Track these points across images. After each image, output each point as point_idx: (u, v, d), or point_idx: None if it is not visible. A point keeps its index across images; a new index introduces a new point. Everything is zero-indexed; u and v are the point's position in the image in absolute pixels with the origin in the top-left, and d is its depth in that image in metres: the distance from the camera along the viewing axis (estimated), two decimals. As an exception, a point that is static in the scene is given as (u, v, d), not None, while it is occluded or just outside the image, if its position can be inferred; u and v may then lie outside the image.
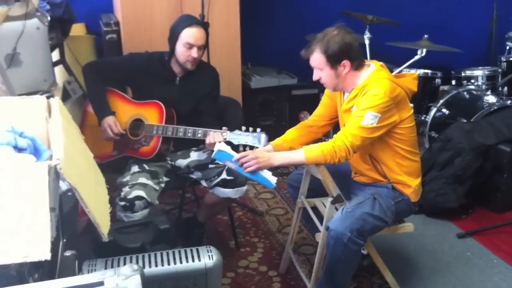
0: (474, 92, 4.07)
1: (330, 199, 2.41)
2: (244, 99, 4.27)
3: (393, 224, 2.49)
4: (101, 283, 1.02)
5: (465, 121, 3.76)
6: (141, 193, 2.65)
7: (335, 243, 2.28)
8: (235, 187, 2.75)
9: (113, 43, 4.03)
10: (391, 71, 4.08)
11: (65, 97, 3.71)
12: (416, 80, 2.49)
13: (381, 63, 2.47)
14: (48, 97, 2.92)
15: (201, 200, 3.06)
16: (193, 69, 2.84)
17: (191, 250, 1.93)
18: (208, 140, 2.61)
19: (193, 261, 1.89)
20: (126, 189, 2.69)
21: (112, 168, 2.94)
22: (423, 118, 4.20)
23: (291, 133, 2.62)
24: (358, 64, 2.39)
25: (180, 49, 2.76)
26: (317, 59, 2.38)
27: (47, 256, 1.02)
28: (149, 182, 2.74)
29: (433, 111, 4.08)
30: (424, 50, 3.84)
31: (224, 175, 2.74)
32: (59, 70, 4.04)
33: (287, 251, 2.89)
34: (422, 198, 3.44)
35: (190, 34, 2.73)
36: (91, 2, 4.33)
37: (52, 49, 3.79)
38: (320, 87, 4.69)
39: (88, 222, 3.18)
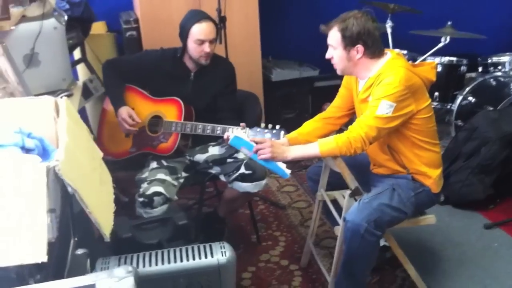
0: (501, 79, 3.95)
1: (348, 191, 2.37)
2: (266, 92, 4.25)
3: (414, 216, 2.44)
4: (93, 286, 1.02)
5: (491, 109, 3.65)
6: (160, 189, 2.66)
7: (352, 235, 2.24)
8: (253, 181, 2.74)
9: (133, 40, 4.05)
10: (415, 60, 4.06)
11: (87, 95, 3.73)
12: (435, 69, 2.42)
13: (397, 51, 2.41)
14: (68, 96, 3.01)
15: (221, 195, 3.04)
16: (207, 64, 2.83)
17: (204, 247, 1.93)
18: (226, 135, 2.60)
19: (206, 257, 1.88)
20: (144, 185, 2.71)
21: (133, 164, 2.97)
22: (448, 106, 4.11)
23: (307, 126, 2.59)
24: (373, 52, 2.34)
25: (192, 46, 2.75)
26: (333, 36, 2.35)
27: (43, 258, 1.02)
28: (168, 178, 2.74)
29: (459, 100, 3.99)
30: (448, 38, 3.75)
31: (242, 169, 2.73)
32: (81, 69, 4.10)
33: (308, 244, 2.86)
34: (448, 189, 3.43)
35: (199, 30, 2.72)
36: (111, 0, 4.34)
37: (73, 48, 3.86)
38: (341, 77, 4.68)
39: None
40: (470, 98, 3.95)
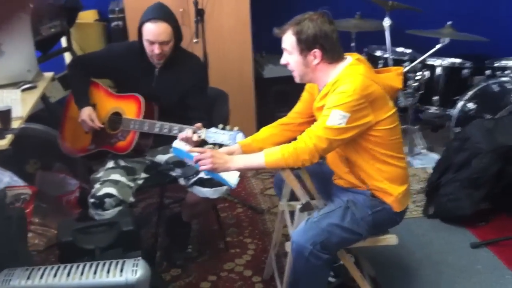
0: (507, 85, 3.65)
1: (298, 206, 2.19)
2: (258, 89, 4.08)
3: (372, 236, 2.23)
4: None
5: (489, 117, 3.39)
6: (112, 190, 2.53)
7: (297, 256, 2.07)
8: (213, 186, 2.58)
9: (118, 31, 3.94)
10: (414, 59, 3.80)
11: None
12: (401, 76, 2.21)
13: (358, 56, 2.20)
14: (30, 88, 2.91)
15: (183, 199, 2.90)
16: (174, 60, 2.68)
17: (117, 263, 1.78)
18: (180, 136, 2.44)
19: (114, 275, 1.73)
20: (97, 185, 2.58)
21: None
22: (448, 112, 3.84)
23: (263, 132, 2.40)
24: (332, 56, 2.14)
25: (145, 44, 2.61)
26: (287, 40, 2.16)
27: None
28: (122, 179, 2.61)
29: (459, 105, 3.72)
30: (447, 39, 3.49)
31: (202, 174, 2.57)
32: (67, 58, 4.01)
33: (270, 256, 2.69)
34: (436, 202, 3.20)
35: (148, 31, 2.56)
36: (104, -13, 4.22)
37: (57, 37, 3.77)
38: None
39: (80, 215, 3.13)
40: (470, 104, 3.68)
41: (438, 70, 3.86)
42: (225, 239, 3.03)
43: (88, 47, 3.94)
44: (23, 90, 2.84)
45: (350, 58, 2.18)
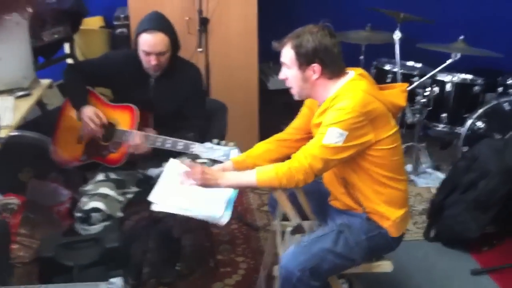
0: (518, 104, 3.51)
1: (289, 228, 2.07)
2: (263, 101, 3.97)
3: (366, 262, 2.11)
4: None
5: (499, 137, 3.25)
6: (99, 204, 2.45)
7: (284, 282, 1.95)
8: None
9: (123, 38, 3.88)
10: (424, 74, 3.67)
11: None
12: (405, 93, 2.09)
13: (361, 71, 2.09)
14: (24, 96, 2.83)
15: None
16: (172, 69, 2.60)
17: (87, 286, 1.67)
18: None
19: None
20: (84, 199, 2.50)
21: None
22: (456, 130, 3.70)
23: (258, 148, 2.29)
24: (332, 71, 2.03)
25: (141, 55, 2.52)
26: (286, 54, 2.06)
27: None
28: (111, 193, 2.52)
29: (468, 123, 3.58)
30: (458, 55, 3.36)
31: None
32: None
33: (260, 278, 2.57)
34: (440, 224, 3.06)
35: (144, 41, 2.48)
36: (110, -6, 4.15)
37: (60, 43, 3.71)
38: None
39: (69, 227, 3.03)
40: (480, 122, 3.54)
41: (448, 86, 3.73)
42: (215, 257, 2.91)
43: (91, 54, 3.86)
44: (18, 98, 2.76)
45: (352, 73, 2.07)
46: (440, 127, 3.82)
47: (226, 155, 2.22)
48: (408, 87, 2.15)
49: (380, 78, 3.91)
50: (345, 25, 3.97)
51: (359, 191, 2.07)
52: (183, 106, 2.63)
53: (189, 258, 2.93)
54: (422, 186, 3.69)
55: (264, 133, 3.91)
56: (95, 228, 2.43)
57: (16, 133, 3.32)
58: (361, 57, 4.02)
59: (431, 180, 3.72)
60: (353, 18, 3.93)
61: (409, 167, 3.82)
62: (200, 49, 3.47)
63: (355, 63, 4.12)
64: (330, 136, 1.91)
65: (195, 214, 2.09)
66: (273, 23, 3.86)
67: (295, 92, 2.11)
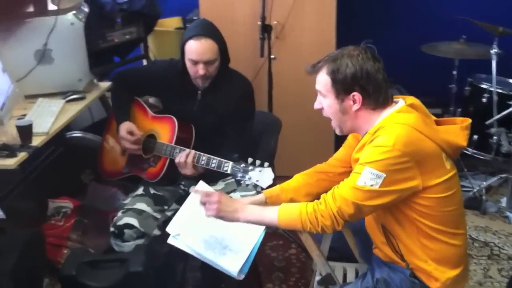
0: None
1: (317, 277, 1.80)
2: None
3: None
4: None
5: None
6: (132, 220, 2.32)
7: None
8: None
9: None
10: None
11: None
12: (467, 130, 1.74)
13: (413, 100, 1.77)
14: (77, 99, 2.78)
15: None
16: (219, 81, 2.41)
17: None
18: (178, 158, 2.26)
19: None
20: (119, 213, 2.38)
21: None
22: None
23: (296, 180, 2.02)
24: (376, 101, 1.74)
25: (187, 64, 2.34)
26: (321, 81, 1.79)
27: None
28: (148, 209, 2.38)
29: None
30: None
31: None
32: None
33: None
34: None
35: (191, 49, 2.29)
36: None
37: (133, 44, 3.66)
38: (443, 106, 3.88)
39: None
40: None
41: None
42: (263, 286, 2.68)
43: (164, 55, 3.77)
44: (69, 101, 2.72)
45: (402, 102, 1.76)
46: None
47: (261, 177, 1.99)
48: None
49: (475, 97, 3.47)
50: (435, 35, 3.56)
51: (402, 243, 1.75)
52: (225, 122, 2.43)
53: (233, 284, 2.74)
54: (516, 225, 3.22)
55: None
56: (129, 245, 2.31)
57: (79, 135, 3.36)
58: (454, 72, 3.58)
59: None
60: (446, 28, 3.51)
61: (503, 201, 3.41)
62: (272, 56, 3.27)
63: (446, 79, 3.74)
64: (365, 177, 1.62)
65: (209, 261, 1.85)
66: (353, 31, 3.58)
67: (335, 125, 1.83)
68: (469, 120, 1.75)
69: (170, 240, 1.90)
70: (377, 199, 1.63)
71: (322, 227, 1.67)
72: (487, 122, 3.24)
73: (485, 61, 3.35)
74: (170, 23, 4.01)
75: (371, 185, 1.61)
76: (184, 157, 2.24)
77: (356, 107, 1.74)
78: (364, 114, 1.75)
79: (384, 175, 1.60)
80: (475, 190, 3.43)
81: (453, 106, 3.65)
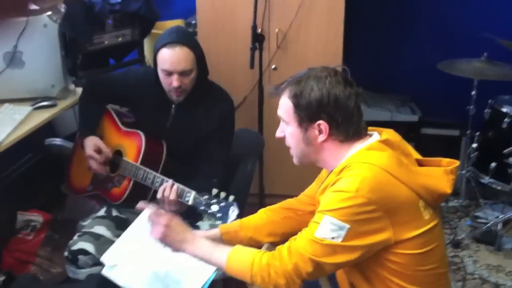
0: None
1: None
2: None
3: None
4: None
5: None
6: (88, 246, 2.10)
7: None
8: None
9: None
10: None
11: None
12: (452, 175, 1.43)
13: (391, 134, 1.49)
14: (48, 106, 2.58)
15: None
16: (197, 95, 2.17)
17: None
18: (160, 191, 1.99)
19: None
20: (75, 237, 2.16)
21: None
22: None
23: (259, 216, 1.75)
24: (345, 132, 1.47)
25: (160, 76, 2.11)
26: (283, 105, 1.54)
27: None
28: (107, 233, 2.17)
29: None
30: None
31: None
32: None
33: None
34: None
35: (164, 58, 2.05)
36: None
37: (128, 47, 3.46)
38: (460, 128, 3.55)
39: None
40: None
41: None
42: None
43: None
44: (37, 108, 2.51)
45: (376, 137, 1.47)
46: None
47: (223, 211, 1.74)
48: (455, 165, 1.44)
49: (495, 122, 3.13)
50: (454, 51, 3.24)
51: (373, 304, 1.47)
52: (202, 143, 2.18)
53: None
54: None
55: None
56: (84, 273, 2.10)
57: (59, 143, 3.17)
58: (473, 92, 3.23)
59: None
60: (466, 43, 3.19)
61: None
62: (274, 66, 3.05)
63: (464, 100, 3.40)
64: (324, 228, 1.35)
65: None
66: (362, 44, 3.28)
67: (295, 155, 1.56)
68: (457, 163, 1.46)
69: (105, 271, 1.67)
70: (340, 255, 1.35)
71: (275, 285, 1.40)
72: (505, 151, 2.91)
73: (508, 82, 3.03)
74: (171, 25, 3.79)
75: (333, 238, 1.34)
76: (168, 191, 1.97)
77: (321, 138, 1.47)
78: (330, 147, 1.48)
79: (348, 226, 1.33)
80: (490, 223, 3.10)
81: (470, 129, 3.32)
